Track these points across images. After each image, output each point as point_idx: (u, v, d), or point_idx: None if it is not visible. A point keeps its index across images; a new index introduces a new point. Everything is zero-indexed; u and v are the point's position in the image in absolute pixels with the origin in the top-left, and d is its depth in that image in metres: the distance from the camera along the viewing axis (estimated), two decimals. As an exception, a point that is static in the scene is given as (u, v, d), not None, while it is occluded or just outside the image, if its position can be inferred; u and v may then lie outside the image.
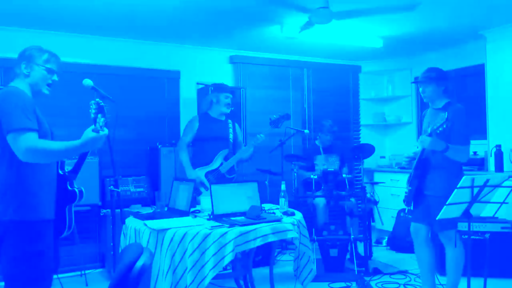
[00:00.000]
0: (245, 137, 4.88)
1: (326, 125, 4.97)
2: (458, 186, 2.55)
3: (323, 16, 3.81)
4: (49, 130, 2.22)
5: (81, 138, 2.02)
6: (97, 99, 2.20)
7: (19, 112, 2.02)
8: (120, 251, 3.02)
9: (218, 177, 3.94)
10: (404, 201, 3.30)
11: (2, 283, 2.09)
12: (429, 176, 3.18)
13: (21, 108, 2.04)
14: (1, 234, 2.06)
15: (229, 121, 4.18)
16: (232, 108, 4.23)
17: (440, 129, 2.91)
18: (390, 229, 5.36)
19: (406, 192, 3.29)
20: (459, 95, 5.39)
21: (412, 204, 3.26)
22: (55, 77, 2.31)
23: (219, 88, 4.16)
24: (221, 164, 3.98)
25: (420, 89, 3.27)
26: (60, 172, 2.28)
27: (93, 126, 2.02)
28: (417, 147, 3.27)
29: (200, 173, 3.97)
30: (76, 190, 2.28)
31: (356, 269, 4.04)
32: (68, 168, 2.34)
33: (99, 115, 2.07)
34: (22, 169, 2.07)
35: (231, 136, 4.09)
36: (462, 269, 3.15)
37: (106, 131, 2.04)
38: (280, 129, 4.22)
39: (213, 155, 3.99)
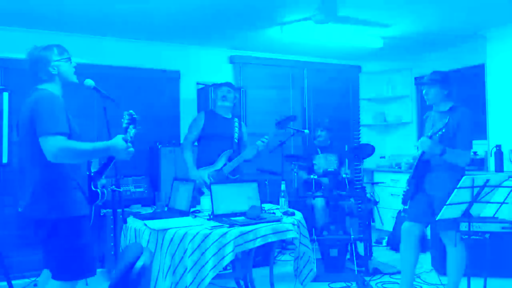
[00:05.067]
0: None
1: (322, 122, 4.99)
2: (458, 186, 2.56)
3: (323, 16, 3.81)
4: (78, 132, 2.30)
5: (109, 141, 2.17)
6: (131, 111, 2.34)
7: (52, 116, 2.11)
8: (120, 251, 3.02)
9: (221, 178, 3.91)
10: (402, 200, 3.31)
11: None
12: (428, 177, 3.17)
13: (54, 112, 2.13)
14: (49, 232, 2.17)
15: (235, 119, 4.14)
16: (231, 105, 4.12)
17: (439, 133, 2.90)
18: (390, 229, 5.36)
19: (404, 191, 3.30)
20: (459, 95, 5.39)
21: (408, 203, 3.26)
22: (74, 63, 2.39)
23: (215, 85, 4.24)
24: (225, 164, 3.94)
25: (424, 91, 3.27)
26: (87, 172, 2.38)
27: (123, 136, 2.18)
28: (417, 148, 3.26)
29: (203, 174, 3.94)
30: (99, 191, 2.39)
31: (356, 269, 4.04)
32: (93, 169, 2.46)
33: (131, 126, 2.25)
34: (59, 169, 2.17)
35: (236, 135, 4.06)
36: (463, 269, 3.15)
37: (132, 150, 2.22)
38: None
39: (217, 155, 3.95)
